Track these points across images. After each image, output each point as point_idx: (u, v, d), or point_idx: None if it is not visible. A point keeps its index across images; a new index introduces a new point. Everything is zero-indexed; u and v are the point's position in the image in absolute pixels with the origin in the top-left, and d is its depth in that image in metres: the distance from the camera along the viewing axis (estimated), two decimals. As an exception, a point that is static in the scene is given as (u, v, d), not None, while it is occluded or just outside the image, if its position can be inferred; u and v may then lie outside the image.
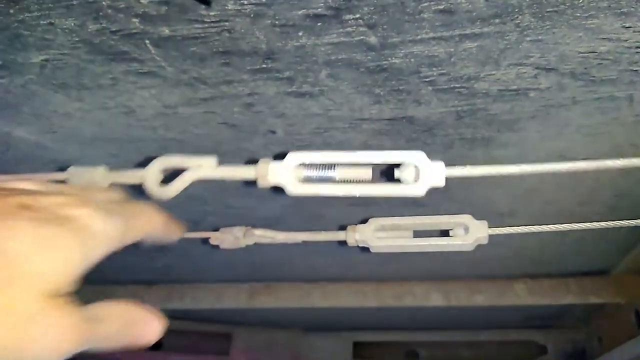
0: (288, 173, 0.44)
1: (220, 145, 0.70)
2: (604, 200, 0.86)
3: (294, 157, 0.43)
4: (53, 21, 0.48)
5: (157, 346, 1.73)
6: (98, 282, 1.34)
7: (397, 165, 0.43)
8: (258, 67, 0.54)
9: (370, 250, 0.58)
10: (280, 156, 0.45)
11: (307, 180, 0.45)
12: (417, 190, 0.42)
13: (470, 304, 1.27)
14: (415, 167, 0.42)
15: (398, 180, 0.43)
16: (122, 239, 0.36)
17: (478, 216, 0.93)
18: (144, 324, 0.39)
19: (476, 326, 1.68)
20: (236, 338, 1.72)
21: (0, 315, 0.26)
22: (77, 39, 0.51)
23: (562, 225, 0.56)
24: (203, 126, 0.66)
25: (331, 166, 0.44)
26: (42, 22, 0.48)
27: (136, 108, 0.62)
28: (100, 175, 0.45)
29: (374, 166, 0.45)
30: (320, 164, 0.44)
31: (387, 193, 0.43)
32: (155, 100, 0.60)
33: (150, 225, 0.41)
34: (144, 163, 0.49)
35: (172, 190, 0.44)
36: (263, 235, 0.60)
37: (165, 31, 0.49)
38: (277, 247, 1.07)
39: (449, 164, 0.46)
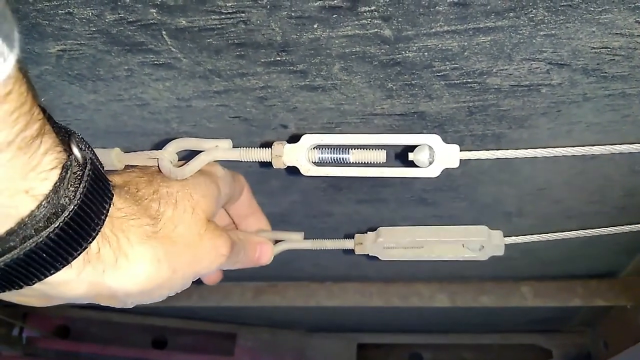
0: (302, 154, 0.44)
1: (232, 140, 0.70)
2: (614, 200, 0.86)
3: (309, 139, 0.44)
4: (72, 10, 0.49)
5: (162, 345, 1.74)
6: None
7: (412, 150, 0.44)
8: (272, 59, 0.55)
9: (380, 258, 0.58)
10: (295, 139, 0.46)
11: (322, 162, 0.45)
12: (431, 171, 0.42)
13: (476, 305, 1.26)
14: (430, 149, 0.42)
15: (412, 164, 0.43)
16: (234, 187, 0.55)
17: (486, 216, 0.93)
18: (260, 247, 0.57)
19: (480, 329, 1.68)
20: (240, 338, 1.72)
21: (186, 229, 0.43)
22: (94, 29, 0.51)
23: (580, 231, 0.56)
24: (216, 120, 0.66)
25: (346, 149, 0.44)
26: (60, 11, 0.49)
27: (150, 100, 0.62)
28: (115, 156, 0.45)
29: (388, 151, 0.45)
30: (334, 146, 0.44)
31: (402, 174, 0.43)
32: (170, 92, 0.61)
33: (243, 184, 0.59)
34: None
35: (187, 170, 0.44)
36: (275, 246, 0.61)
37: (183, 22, 0.50)
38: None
39: (459, 161, 0.46)
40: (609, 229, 0.57)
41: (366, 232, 0.61)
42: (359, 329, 1.73)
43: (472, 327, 1.66)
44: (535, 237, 0.57)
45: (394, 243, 0.58)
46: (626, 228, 0.57)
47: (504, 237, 0.57)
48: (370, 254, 0.59)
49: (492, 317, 1.51)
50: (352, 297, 1.31)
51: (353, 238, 0.60)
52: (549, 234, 0.57)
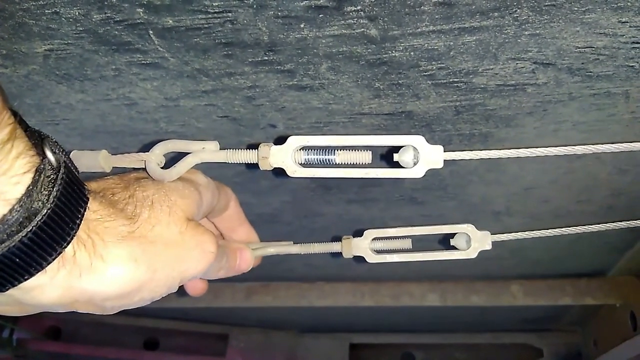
0: (289, 156, 0.44)
1: (221, 140, 0.70)
2: (601, 199, 0.87)
3: (295, 141, 0.44)
4: (58, 10, 0.49)
5: (154, 346, 1.73)
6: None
7: (397, 151, 0.44)
8: (260, 59, 0.55)
9: (367, 261, 0.58)
10: (282, 140, 0.46)
11: (308, 163, 0.45)
12: (416, 172, 0.43)
13: (467, 304, 1.27)
14: (414, 150, 0.43)
15: (398, 164, 0.44)
16: (218, 197, 0.53)
17: (475, 215, 0.94)
18: (240, 254, 0.56)
19: (472, 329, 1.69)
20: (232, 339, 1.72)
21: (164, 228, 0.42)
22: (81, 29, 0.51)
23: (565, 229, 0.56)
24: (204, 119, 0.66)
25: (332, 150, 0.45)
26: (47, 10, 0.49)
27: (138, 100, 0.63)
28: (102, 158, 0.45)
29: (374, 151, 0.46)
30: (320, 148, 0.45)
31: (386, 175, 0.43)
32: (158, 92, 0.61)
33: (229, 196, 0.58)
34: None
35: (174, 173, 0.44)
36: (257, 249, 0.60)
37: (169, 22, 0.50)
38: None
39: (447, 159, 0.46)
40: (592, 226, 0.58)
41: (353, 234, 0.61)
42: (351, 329, 1.74)
43: (464, 326, 1.67)
44: (520, 235, 0.57)
45: (381, 245, 0.58)
46: (610, 225, 0.57)
47: (493, 234, 0.57)
48: (357, 257, 0.59)
49: (484, 317, 1.52)
50: (343, 297, 1.31)
51: (341, 241, 0.60)
52: (534, 232, 0.57)
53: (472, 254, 0.57)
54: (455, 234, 0.58)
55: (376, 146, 0.44)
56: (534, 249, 1.10)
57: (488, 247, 0.56)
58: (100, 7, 0.48)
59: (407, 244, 0.58)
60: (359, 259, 0.61)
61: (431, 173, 0.52)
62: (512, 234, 0.59)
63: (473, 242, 0.57)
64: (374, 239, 0.58)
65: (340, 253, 0.60)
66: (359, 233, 0.59)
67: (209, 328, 1.73)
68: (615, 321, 1.29)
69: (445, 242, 0.60)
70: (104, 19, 0.50)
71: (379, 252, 0.58)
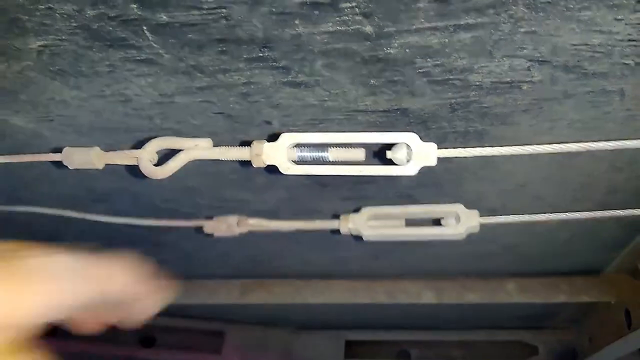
0: (282, 153, 0.44)
1: (216, 136, 0.70)
2: (596, 196, 0.87)
3: (288, 138, 0.44)
4: (52, 5, 0.48)
5: (150, 343, 1.73)
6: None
7: (390, 148, 0.44)
8: (254, 55, 0.55)
9: (363, 239, 0.59)
10: (276, 138, 0.46)
11: (301, 160, 0.45)
12: (409, 169, 0.43)
13: (462, 302, 1.27)
14: (408, 147, 0.43)
15: (391, 162, 0.43)
16: (87, 295, 0.36)
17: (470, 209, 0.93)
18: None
19: (467, 326, 1.69)
20: (229, 336, 1.72)
21: None
22: (75, 25, 0.51)
23: (553, 214, 0.56)
24: (199, 116, 0.66)
25: (324, 147, 0.45)
26: (40, 6, 0.49)
27: (133, 96, 0.62)
28: (95, 155, 0.45)
29: (367, 149, 0.46)
30: (313, 145, 0.45)
31: (380, 172, 0.43)
32: (152, 88, 0.61)
33: (119, 282, 0.39)
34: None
35: (167, 170, 0.44)
36: (257, 224, 0.60)
37: (163, 17, 0.50)
38: (269, 242, 1.08)
39: (442, 152, 0.46)
40: (578, 213, 0.58)
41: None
42: (347, 326, 1.74)
43: (459, 324, 1.67)
44: (510, 218, 0.58)
45: (376, 221, 0.59)
46: (605, 213, 0.57)
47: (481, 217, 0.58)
48: (354, 234, 0.59)
49: (479, 314, 1.52)
50: (338, 294, 1.31)
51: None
52: (523, 215, 0.57)
53: (460, 229, 0.57)
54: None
55: (369, 143, 0.44)
56: (529, 247, 1.10)
57: (476, 223, 0.57)
58: (94, 2, 0.48)
59: (401, 223, 0.59)
60: (356, 252, 0.61)
61: (426, 170, 0.52)
62: (502, 216, 0.59)
63: (462, 219, 0.57)
64: (369, 215, 0.59)
65: (338, 232, 0.60)
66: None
67: (205, 325, 1.73)
68: (610, 319, 1.29)
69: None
70: (98, 15, 0.50)
71: (374, 227, 0.59)
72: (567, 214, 0.58)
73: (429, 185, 0.84)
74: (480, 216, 0.57)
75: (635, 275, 1.17)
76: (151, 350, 1.72)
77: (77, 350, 1.66)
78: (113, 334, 1.70)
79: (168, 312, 1.67)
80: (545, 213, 0.65)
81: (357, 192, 0.87)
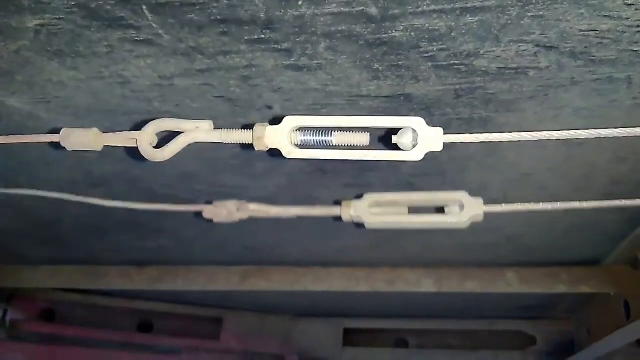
0: (285, 137, 0.43)
1: (216, 120, 0.69)
2: (599, 187, 0.86)
3: (292, 121, 0.43)
4: (49, -18, 0.47)
5: (148, 328, 1.73)
6: (90, 263, 1.34)
7: (396, 133, 0.43)
8: (256, 37, 0.54)
9: (365, 226, 0.58)
10: (278, 122, 0.45)
11: (304, 144, 0.44)
12: (414, 155, 0.42)
13: (461, 291, 1.27)
14: (414, 132, 0.42)
15: (396, 147, 0.43)
16: None
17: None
18: None
19: (466, 315, 1.69)
20: (227, 322, 1.72)
21: None
22: (72, 3, 0.50)
23: (557, 203, 0.55)
24: (199, 99, 0.65)
25: (328, 131, 0.44)
26: (37, -17, 0.47)
27: (132, 78, 0.61)
28: (93, 136, 0.44)
29: (372, 134, 0.45)
30: (317, 129, 0.44)
31: (385, 157, 0.42)
32: (151, 70, 0.60)
33: None
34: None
35: (167, 153, 0.43)
36: (257, 210, 0.59)
37: (163, -4, 0.48)
38: (269, 229, 1.07)
39: (447, 138, 0.45)
40: (584, 203, 0.57)
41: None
42: (346, 314, 1.74)
43: (458, 313, 1.67)
44: (514, 207, 0.57)
45: (379, 208, 0.58)
46: (604, 203, 0.56)
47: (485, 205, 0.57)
48: (356, 221, 0.58)
49: (478, 304, 1.52)
50: (338, 282, 1.30)
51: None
52: (526, 204, 0.56)
53: (464, 217, 0.56)
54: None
55: (374, 127, 0.43)
56: (530, 237, 1.09)
57: (480, 212, 0.56)
58: (92, -20, 0.47)
59: (404, 210, 0.58)
60: (356, 240, 0.60)
61: (429, 157, 0.51)
62: (505, 205, 0.59)
63: (466, 207, 0.57)
64: (371, 201, 0.58)
65: (339, 219, 0.59)
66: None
67: (204, 311, 1.73)
68: (609, 310, 1.29)
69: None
70: (96, -7, 0.48)
71: (376, 214, 0.58)
72: (572, 203, 0.57)
73: (433, 174, 0.83)
74: (485, 205, 0.56)
75: (636, 266, 1.17)
76: (149, 336, 1.72)
77: (75, 335, 1.66)
78: (111, 319, 1.70)
79: (166, 297, 1.66)
80: (549, 202, 0.65)
81: (359, 180, 0.86)
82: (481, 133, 0.45)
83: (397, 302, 1.53)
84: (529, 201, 0.92)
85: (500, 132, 0.43)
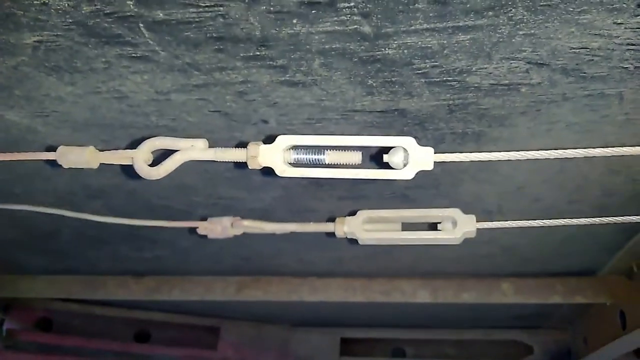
0: (278, 155, 0.44)
1: (212, 134, 0.70)
2: (593, 199, 0.87)
3: (284, 140, 0.44)
4: (47, 1, 0.48)
5: (145, 338, 1.73)
6: (87, 273, 1.34)
7: (387, 151, 0.44)
8: (252, 54, 0.54)
9: (359, 242, 0.58)
10: (272, 139, 0.46)
11: (298, 163, 0.45)
12: (405, 173, 0.42)
13: (457, 301, 1.27)
14: (405, 151, 0.42)
15: (388, 166, 0.43)
16: None
17: (467, 214, 0.93)
18: None
19: (463, 325, 1.69)
20: (224, 332, 1.72)
21: None
22: (70, 21, 0.50)
23: (550, 220, 0.56)
24: (195, 114, 0.66)
25: (321, 150, 0.44)
26: (35, 1, 0.48)
27: (129, 93, 0.62)
28: (89, 155, 0.44)
29: (364, 152, 0.45)
30: (310, 148, 0.44)
31: (376, 176, 0.43)
32: (148, 85, 0.60)
33: None
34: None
35: (162, 170, 0.44)
36: (251, 226, 0.60)
37: (160, 15, 0.49)
38: (266, 241, 1.08)
39: (439, 154, 0.46)
40: (579, 220, 0.58)
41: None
42: (343, 324, 1.74)
43: (455, 323, 1.67)
44: (507, 224, 0.57)
45: (372, 224, 0.58)
46: (596, 220, 0.57)
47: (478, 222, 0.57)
48: (349, 237, 0.59)
49: (475, 314, 1.52)
50: (335, 293, 1.31)
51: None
52: (519, 221, 0.57)
53: (457, 234, 0.57)
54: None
55: (366, 146, 0.43)
56: (525, 248, 1.10)
57: (472, 228, 0.57)
58: (90, -1, 0.48)
59: (398, 226, 0.59)
60: (352, 252, 0.60)
61: (423, 172, 0.51)
62: (497, 222, 0.59)
63: (459, 224, 0.57)
64: (364, 218, 0.58)
65: (333, 235, 0.60)
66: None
67: (201, 321, 1.73)
68: (605, 320, 1.29)
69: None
70: (94, 11, 0.49)
71: (369, 231, 0.58)
72: (560, 220, 0.58)
73: (427, 187, 0.84)
74: (478, 220, 0.57)
75: (631, 276, 1.18)
76: (146, 346, 1.72)
77: (73, 345, 1.66)
78: (108, 329, 1.70)
79: (164, 307, 1.66)
80: (542, 217, 0.65)
81: (354, 192, 0.87)
82: (474, 148, 0.46)
83: (394, 312, 1.54)
84: (523, 213, 0.93)
85: (490, 152, 0.44)
